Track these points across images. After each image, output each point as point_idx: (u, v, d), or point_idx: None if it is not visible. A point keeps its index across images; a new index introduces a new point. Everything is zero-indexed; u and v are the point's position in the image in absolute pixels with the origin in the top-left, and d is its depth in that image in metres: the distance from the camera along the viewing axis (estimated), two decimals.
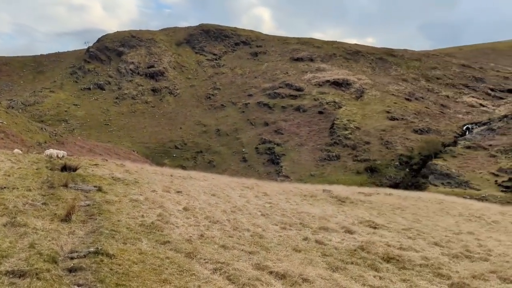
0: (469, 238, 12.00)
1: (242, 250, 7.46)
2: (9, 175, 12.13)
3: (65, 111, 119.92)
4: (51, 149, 18.91)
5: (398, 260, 8.07)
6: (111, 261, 5.54)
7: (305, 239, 9.35)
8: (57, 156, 17.60)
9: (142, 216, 9.06)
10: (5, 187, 10.13)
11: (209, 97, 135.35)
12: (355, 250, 8.52)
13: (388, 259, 8.09)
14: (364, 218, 14.37)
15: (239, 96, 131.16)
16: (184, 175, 24.11)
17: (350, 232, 10.84)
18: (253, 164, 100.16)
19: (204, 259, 6.48)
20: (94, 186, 12.29)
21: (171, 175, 22.17)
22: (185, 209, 10.69)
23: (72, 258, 5.66)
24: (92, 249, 5.91)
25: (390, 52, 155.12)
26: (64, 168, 14.56)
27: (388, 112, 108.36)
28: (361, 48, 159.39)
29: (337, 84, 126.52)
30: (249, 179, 34.81)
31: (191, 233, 8.37)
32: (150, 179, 16.28)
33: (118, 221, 8.24)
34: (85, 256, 5.73)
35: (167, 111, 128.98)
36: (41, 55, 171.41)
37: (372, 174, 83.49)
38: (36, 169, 14.37)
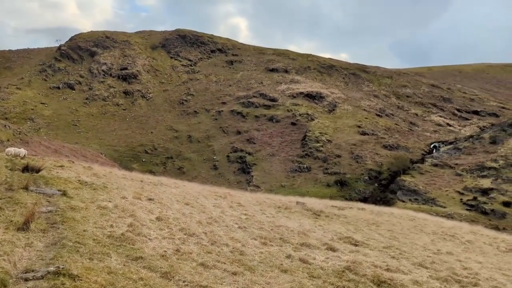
0: (450, 259, 11.73)
1: (224, 270, 6.74)
2: None
3: (32, 109, 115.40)
4: (12, 148, 17.55)
5: (390, 284, 7.58)
6: (74, 284, 4.69)
7: (288, 257, 8.71)
8: (18, 155, 16.27)
9: (111, 225, 8.20)
10: None
11: (182, 103, 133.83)
12: (343, 272, 7.96)
13: (379, 282, 7.58)
14: (342, 234, 13.93)
15: (212, 103, 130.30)
16: (155, 181, 23.13)
17: (332, 249, 10.30)
18: (224, 173, 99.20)
19: (184, 281, 5.73)
20: (59, 190, 11.24)
21: (141, 181, 21.16)
22: (158, 219, 9.85)
23: (26, 280, 4.74)
24: (52, 268, 4.99)
25: (363, 68, 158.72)
26: (26, 168, 13.38)
27: (359, 126, 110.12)
28: (335, 62, 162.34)
29: (310, 96, 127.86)
30: (220, 188, 34.13)
31: (166, 247, 7.59)
32: (119, 184, 15.28)
33: (84, 231, 7.37)
34: (42, 277, 4.81)
35: (138, 114, 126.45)
36: (10, 51, 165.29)
37: (342, 188, 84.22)
38: None
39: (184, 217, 11.04)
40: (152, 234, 8.29)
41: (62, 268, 4.98)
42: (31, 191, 10.51)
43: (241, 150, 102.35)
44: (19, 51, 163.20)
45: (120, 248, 6.90)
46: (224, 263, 7.15)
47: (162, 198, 14.06)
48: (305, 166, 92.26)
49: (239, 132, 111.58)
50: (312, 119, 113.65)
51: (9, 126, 64.63)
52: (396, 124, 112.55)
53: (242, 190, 58.78)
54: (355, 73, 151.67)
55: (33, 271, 4.96)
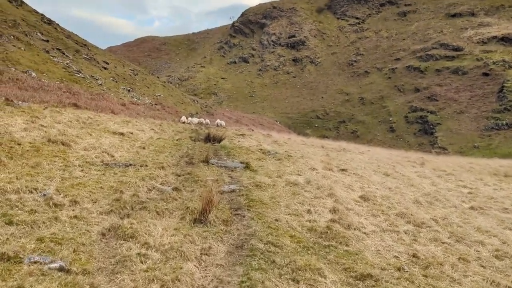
0: None
1: None
2: (144, 147, 10.57)
3: (214, 84, 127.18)
4: (194, 117, 17.63)
5: None
6: None
7: None
8: (202, 123, 16.11)
9: (309, 211, 6.22)
10: (130, 165, 8.29)
11: (352, 64, 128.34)
12: None
13: None
14: None
15: (384, 61, 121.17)
16: (336, 147, 20.91)
17: None
18: (402, 135, 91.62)
19: None
20: (241, 163, 10.00)
21: (323, 147, 19.19)
22: (364, 198, 7.54)
23: None
24: None
25: None
26: (208, 138, 12.75)
27: None
28: None
29: (506, 40, 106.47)
30: (408, 152, 30.08)
31: (395, 248, 5.16)
32: (303, 152, 13.57)
33: (276, 221, 5.55)
34: None
35: (308, 80, 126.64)
36: (193, 34, 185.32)
37: None
38: (177, 140, 12.86)
39: (393, 193, 8.47)
40: (365, 224, 5.98)
41: None
42: (212, 164, 9.50)
43: (421, 109, 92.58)
44: (201, 33, 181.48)
45: (330, 252, 4.75)
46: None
47: (355, 167, 11.72)
48: (504, 122, 77.82)
49: (417, 90, 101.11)
50: (511, 67, 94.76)
51: (197, 101, 71.58)
52: None
53: (426, 153, 52.38)
54: None
55: None
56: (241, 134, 17.19)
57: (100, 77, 44.66)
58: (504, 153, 66.23)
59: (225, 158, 10.69)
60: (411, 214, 6.56)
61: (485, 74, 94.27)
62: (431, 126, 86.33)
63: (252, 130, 24.93)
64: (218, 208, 5.52)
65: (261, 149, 12.66)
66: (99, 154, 8.57)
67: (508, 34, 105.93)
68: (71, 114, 12.30)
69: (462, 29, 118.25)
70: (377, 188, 8.79)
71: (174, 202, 6.16)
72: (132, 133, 11.93)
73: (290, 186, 8.00)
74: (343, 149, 19.91)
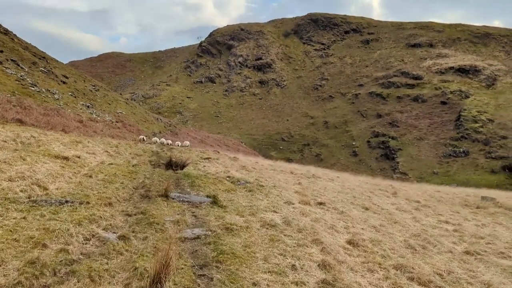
0: None
1: None
2: (90, 176, 8.78)
3: (180, 103, 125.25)
4: (155, 137, 16.22)
5: None
6: None
7: None
8: (164, 144, 14.70)
9: (293, 267, 4.95)
10: (67, 201, 6.47)
11: (317, 88, 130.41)
12: None
13: None
14: None
15: (348, 87, 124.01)
16: (305, 173, 20.00)
17: None
18: (365, 159, 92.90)
19: None
20: (207, 196, 8.63)
21: (292, 173, 18.22)
22: (352, 243, 6.42)
23: None
24: None
25: None
26: (170, 164, 11.32)
27: None
28: (491, 30, 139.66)
29: (463, 71, 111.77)
30: (374, 178, 29.70)
31: None
32: (274, 181, 12.44)
33: (254, 285, 4.28)
34: None
35: (274, 103, 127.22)
36: (159, 51, 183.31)
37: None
38: (133, 166, 11.16)
39: (381, 235, 7.43)
40: (364, 284, 4.83)
41: None
42: (173, 199, 8.00)
43: (383, 135, 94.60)
44: (167, 51, 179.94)
45: None
46: None
47: (332, 200, 10.68)
48: (461, 150, 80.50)
49: (379, 115, 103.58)
50: (467, 96, 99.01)
51: (161, 119, 69.52)
52: None
53: (389, 178, 52.79)
54: None
55: None
56: (206, 158, 15.88)
57: (57, 92, 42.14)
58: (462, 180, 68.17)
59: (188, 190, 9.28)
60: (412, 268, 5.50)
61: (443, 103, 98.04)
62: (393, 152, 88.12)
63: (218, 152, 23.68)
64: (178, 267, 4.19)
65: (229, 177, 11.38)
66: (28, 186, 6.82)
67: (464, 65, 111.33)
68: (10, 132, 10.44)
69: (421, 59, 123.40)
70: (362, 228, 7.74)
71: (119, 259, 4.66)
72: (79, 157, 10.14)
73: (267, 229, 6.74)
74: (312, 175, 19.00)
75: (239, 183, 10.63)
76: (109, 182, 8.69)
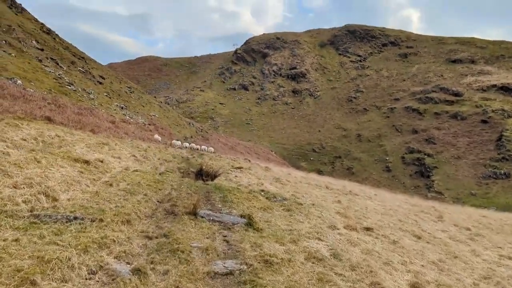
0: None
1: None
2: (111, 184, 7.89)
3: (212, 109, 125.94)
4: (186, 141, 15.50)
5: None
6: None
7: None
8: (195, 149, 13.94)
9: None
10: (76, 217, 5.43)
11: (351, 100, 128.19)
12: None
13: None
14: None
15: (384, 100, 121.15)
16: (341, 189, 18.83)
17: None
18: (398, 175, 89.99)
19: None
20: (241, 216, 7.62)
21: (327, 187, 17.08)
22: (416, 287, 5.37)
23: None
24: None
25: None
26: (200, 173, 10.38)
27: None
28: None
29: (505, 89, 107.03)
30: (414, 198, 28.09)
31: None
32: (311, 197, 11.39)
33: None
34: None
35: (306, 113, 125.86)
36: (195, 57, 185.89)
37: None
38: (160, 174, 10.41)
39: (445, 275, 6.28)
40: None
41: None
42: (202, 217, 7.02)
43: (419, 151, 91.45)
44: (203, 57, 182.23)
45: None
46: None
47: (379, 225, 9.52)
48: (502, 172, 76.55)
49: (415, 131, 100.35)
50: (510, 116, 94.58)
51: (193, 124, 69.65)
52: None
53: (422, 197, 50.41)
54: None
55: None
56: (238, 167, 15.01)
57: (93, 91, 42.65)
58: (502, 203, 64.58)
59: (220, 206, 8.26)
60: None
61: (484, 122, 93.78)
62: (428, 169, 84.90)
63: (249, 160, 22.82)
64: None
65: (263, 191, 10.38)
66: (33, 196, 5.77)
67: (508, 83, 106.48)
68: (34, 130, 9.81)
69: (462, 75, 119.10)
70: (422, 265, 6.61)
71: None
72: (102, 161, 9.35)
73: (313, 263, 5.66)
74: (349, 192, 17.81)
75: (275, 199, 9.57)
76: (131, 193, 7.80)
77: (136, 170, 10.01)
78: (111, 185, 7.94)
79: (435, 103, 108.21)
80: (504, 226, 18.07)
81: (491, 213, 28.22)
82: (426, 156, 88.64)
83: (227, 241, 6.03)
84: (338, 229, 7.87)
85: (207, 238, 6.05)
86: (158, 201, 7.87)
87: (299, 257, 5.64)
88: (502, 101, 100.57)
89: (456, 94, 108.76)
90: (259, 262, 5.09)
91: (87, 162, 8.48)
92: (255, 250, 5.60)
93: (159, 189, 8.81)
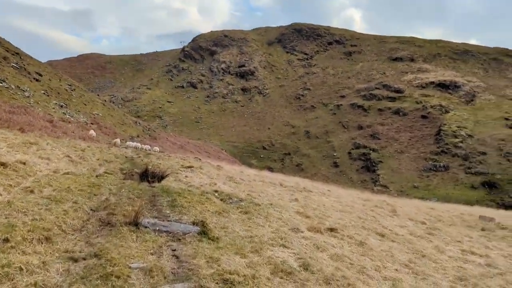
0: None
1: None
2: (32, 191, 6.53)
3: (160, 107, 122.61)
4: (132, 141, 14.29)
5: None
6: None
7: None
8: (139, 148, 12.76)
9: None
10: None
11: (299, 98, 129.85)
12: None
13: None
14: None
15: (330, 97, 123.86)
16: (294, 185, 18.39)
17: None
18: (346, 170, 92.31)
19: None
20: (194, 223, 6.50)
21: (282, 185, 16.53)
22: None
23: None
24: None
25: (506, 52, 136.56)
26: (145, 174, 9.08)
27: (506, 119, 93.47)
28: (470, 47, 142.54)
29: (443, 86, 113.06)
30: (364, 192, 28.43)
31: None
32: (267, 196, 10.70)
33: None
34: None
35: (255, 110, 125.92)
36: (141, 54, 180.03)
37: (491, 190, 71.06)
38: (97, 177, 9.11)
39: (421, 280, 5.78)
40: None
41: None
42: (145, 227, 5.79)
43: (364, 147, 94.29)
44: (149, 54, 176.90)
45: None
46: None
47: (341, 224, 8.98)
48: (441, 164, 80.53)
49: (360, 127, 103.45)
50: (447, 111, 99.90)
51: (139, 123, 66.87)
52: None
53: (369, 191, 51.74)
54: (496, 58, 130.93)
55: None
56: (188, 166, 13.94)
57: (28, 89, 39.40)
58: (442, 195, 67.92)
59: (168, 212, 7.10)
60: None
61: (424, 117, 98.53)
62: (373, 164, 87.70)
63: (200, 159, 21.80)
64: None
65: (216, 191, 9.44)
66: None
67: (445, 80, 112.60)
68: None
69: (402, 73, 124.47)
70: (396, 270, 6.05)
71: None
72: (24, 163, 7.88)
73: (281, 278, 4.81)
74: (303, 188, 17.41)
75: (230, 201, 8.59)
76: (56, 200, 6.39)
77: (67, 173, 8.70)
78: (31, 191, 6.62)
79: (378, 100, 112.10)
80: (453, 218, 18.45)
81: (437, 205, 29.14)
82: (371, 151, 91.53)
83: (177, 257, 5.02)
84: (302, 232, 7.15)
85: (152, 254, 5.00)
86: (91, 210, 6.64)
87: (264, 271, 4.73)
88: (439, 97, 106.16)
89: (398, 91, 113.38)
90: (217, 283, 4.12)
91: (3, 164, 7.03)
92: (212, 267, 4.72)
93: (94, 195, 7.55)
